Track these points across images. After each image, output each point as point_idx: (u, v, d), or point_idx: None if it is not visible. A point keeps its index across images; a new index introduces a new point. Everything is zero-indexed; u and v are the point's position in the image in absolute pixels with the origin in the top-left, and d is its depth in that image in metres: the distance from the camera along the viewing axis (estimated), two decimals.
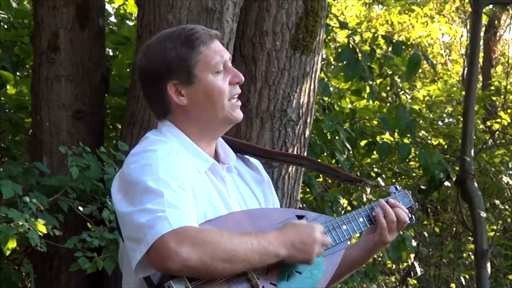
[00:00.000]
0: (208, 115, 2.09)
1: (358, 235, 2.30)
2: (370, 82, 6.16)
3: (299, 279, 2.01)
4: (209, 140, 2.15)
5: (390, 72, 6.49)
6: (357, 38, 7.30)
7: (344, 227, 2.17)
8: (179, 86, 2.07)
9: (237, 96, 2.12)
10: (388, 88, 6.74)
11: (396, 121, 5.96)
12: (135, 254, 1.86)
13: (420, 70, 8.53)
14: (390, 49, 6.39)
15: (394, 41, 6.07)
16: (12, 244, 3.18)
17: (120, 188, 1.99)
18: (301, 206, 5.09)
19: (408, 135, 6.05)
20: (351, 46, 5.64)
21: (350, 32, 6.41)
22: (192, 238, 1.81)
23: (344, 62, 5.60)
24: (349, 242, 2.25)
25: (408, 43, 7.82)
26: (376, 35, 6.40)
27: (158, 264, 1.83)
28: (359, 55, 5.52)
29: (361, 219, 2.23)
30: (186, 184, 1.96)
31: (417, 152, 6.45)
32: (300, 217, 2.11)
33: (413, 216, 2.39)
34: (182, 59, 2.06)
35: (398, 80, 7.15)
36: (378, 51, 6.18)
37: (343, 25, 6.44)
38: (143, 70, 2.14)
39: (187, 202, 1.91)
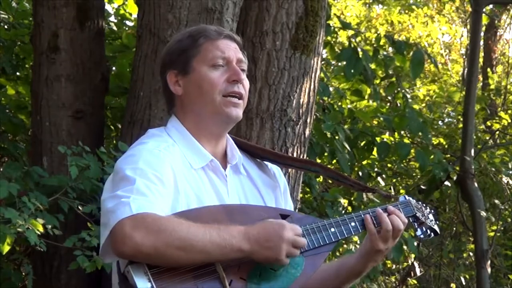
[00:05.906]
0: (199, 107, 2.10)
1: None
2: (373, 83, 6.15)
3: (273, 276, 1.96)
4: (208, 137, 2.14)
5: (395, 74, 6.48)
6: (358, 39, 7.29)
7: (332, 229, 2.08)
8: (178, 76, 2.12)
9: (236, 96, 2.11)
10: (397, 90, 6.71)
11: (405, 122, 5.94)
12: (102, 238, 1.90)
13: None
14: (391, 49, 6.38)
15: (396, 40, 6.06)
16: (9, 241, 3.17)
17: (110, 178, 2.04)
18: (300, 206, 5.09)
19: (418, 134, 6.06)
20: (352, 45, 5.63)
21: (353, 33, 6.39)
22: (148, 224, 1.82)
23: (345, 62, 5.60)
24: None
25: (409, 42, 7.79)
26: (378, 36, 6.39)
27: (114, 248, 1.85)
28: (360, 53, 5.52)
29: (353, 224, 2.12)
30: (166, 176, 1.97)
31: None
32: (284, 216, 2.05)
33: (418, 227, 2.30)
34: (183, 50, 2.12)
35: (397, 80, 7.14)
36: (380, 51, 6.16)
37: (346, 26, 6.43)
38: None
39: (158, 192, 1.92)
